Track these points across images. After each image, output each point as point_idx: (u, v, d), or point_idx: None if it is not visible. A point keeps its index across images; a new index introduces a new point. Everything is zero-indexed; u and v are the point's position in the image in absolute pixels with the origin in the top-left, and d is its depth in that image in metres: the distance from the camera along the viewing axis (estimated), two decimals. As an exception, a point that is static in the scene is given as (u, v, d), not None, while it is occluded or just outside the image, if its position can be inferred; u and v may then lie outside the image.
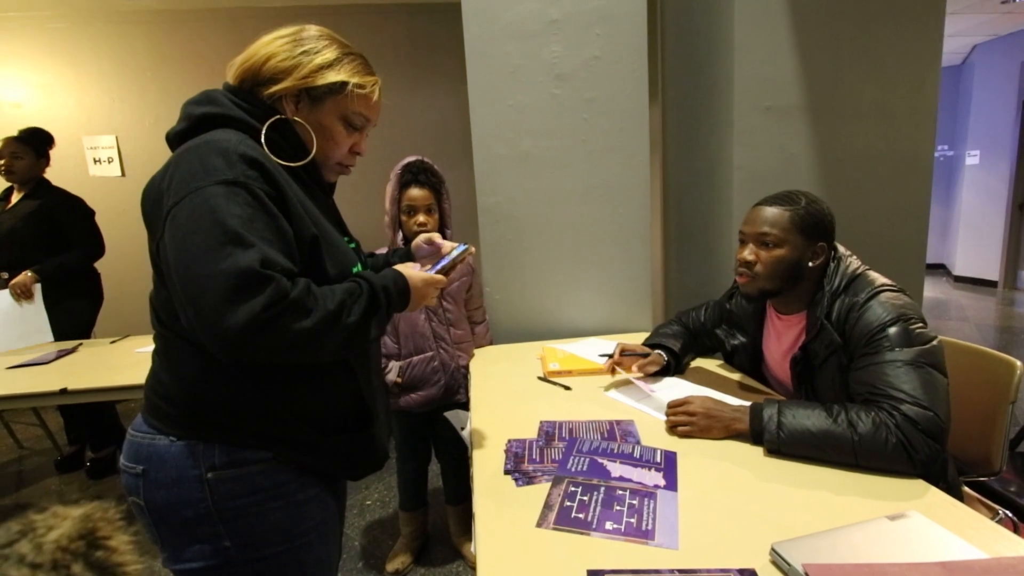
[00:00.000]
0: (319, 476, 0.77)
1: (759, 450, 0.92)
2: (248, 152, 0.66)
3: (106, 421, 2.45)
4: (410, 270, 0.82)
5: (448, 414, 1.35)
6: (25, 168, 2.20)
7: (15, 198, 2.25)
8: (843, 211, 1.27)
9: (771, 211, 1.07)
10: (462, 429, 1.14)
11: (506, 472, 0.88)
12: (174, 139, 0.74)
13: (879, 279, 1.03)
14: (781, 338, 1.19)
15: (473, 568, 1.68)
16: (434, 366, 1.54)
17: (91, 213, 2.36)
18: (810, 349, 1.06)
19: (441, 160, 1.63)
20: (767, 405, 0.93)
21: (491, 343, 1.75)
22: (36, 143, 2.24)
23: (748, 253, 1.10)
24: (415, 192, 1.51)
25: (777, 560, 0.62)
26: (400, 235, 1.54)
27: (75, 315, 2.31)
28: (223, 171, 0.63)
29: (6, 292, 2.10)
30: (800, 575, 0.58)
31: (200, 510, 0.68)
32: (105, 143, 3.39)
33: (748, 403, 0.99)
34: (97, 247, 2.34)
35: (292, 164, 0.74)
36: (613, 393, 1.24)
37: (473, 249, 0.96)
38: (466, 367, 1.56)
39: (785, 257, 1.05)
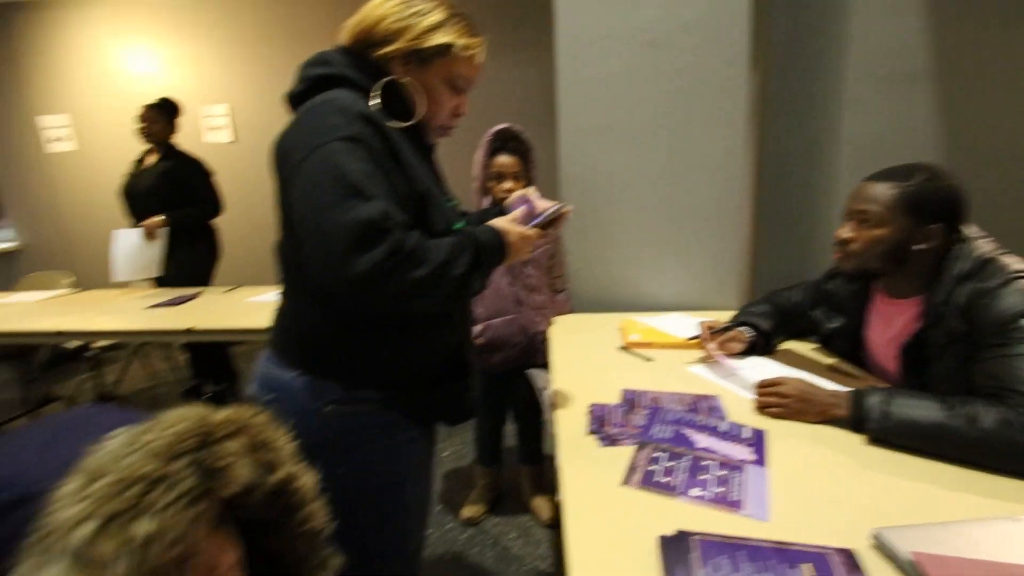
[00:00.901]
0: (418, 421, 0.84)
1: (857, 437, 0.87)
2: (364, 110, 0.71)
3: (222, 359, 2.77)
4: (506, 224, 0.83)
5: (530, 372, 1.39)
6: (159, 132, 2.48)
7: (150, 160, 2.54)
8: (973, 193, 1.14)
9: (876, 187, 0.99)
10: (543, 390, 1.18)
11: (590, 432, 0.91)
12: (294, 99, 0.81)
13: (1015, 264, 0.92)
14: (889, 324, 1.10)
15: (544, 525, 1.76)
16: (513, 329, 1.58)
17: (211, 173, 2.62)
18: (926, 337, 0.98)
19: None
20: (871, 392, 0.88)
21: (571, 312, 1.77)
22: (168, 110, 2.51)
23: (846, 230, 1.03)
24: (504, 159, 1.53)
25: (880, 546, 0.60)
26: (488, 201, 1.57)
27: (197, 266, 2.60)
28: (342, 128, 0.68)
29: (139, 230, 2.40)
30: (907, 562, 0.56)
31: (317, 439, 0.77)
32: (219, 111, 3.70)
33: (845, 388, 0.94)
34: (216, 205, 2.61)
35: (401, 124, 0.78)
36: (696, 368, 1.22)
37: (571, 207, 0.93)
38: (544, 333, 1.60)
39: (884, 238, 0.97)
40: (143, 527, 0.33)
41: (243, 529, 0.44)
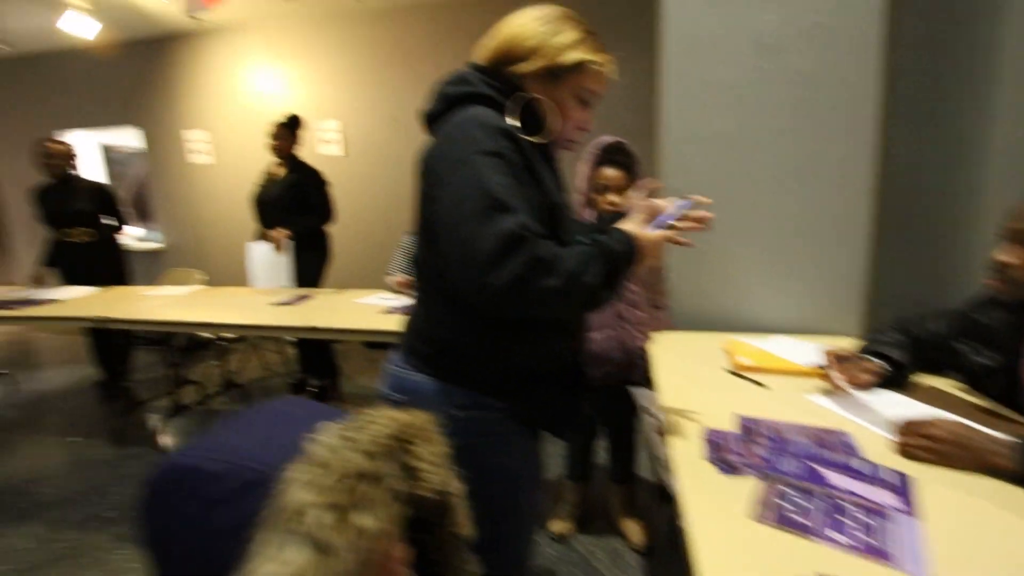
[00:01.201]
0: (534, 430, 0.86)
1: (1022, 493, 0.77)
2: (503, 126, 0.74)
3: (326, 356, 2.99)
4: (635, 229, 0.81)
5: (634, 391, 1.37)
6: (286, 147, 2.75)
7: (277, 171, 2.82)
8: None
9: None
10: (650, 411, 1.16)
11: (708, 460, 0.88)
12: (431, 117, 0.86)
13: None
14: (1059, 363, 0.96)
15: (635, 549, 1.71)
16: (613, 344, 1.57)
17: (327, 183, 2.86)
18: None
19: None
20: (1048, 442, 0.77)
21: (671, 329, 1.72)
22: (293, 127, 2.77)
23: (1006, 254, 0.92)
24: (609, 172, 1.53)
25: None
26: (591, 214, 1.58)
27: (310, 268, 2.83)
28: (485, 142, 0.71)
29: (266, 244, 2.67)
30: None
31: None
32: (330, 126, 4.03)
33: (1011, 437, 0.83)
34: (330, 213, 2.85)
35: (534, 139, 0.81)
36: (819, 398, 1.14)
37: (706, 200, 0.86)
38: (644, 349, 1.57)
39: None
40: (366, 520, 0.37)
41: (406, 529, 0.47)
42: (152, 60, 4.28)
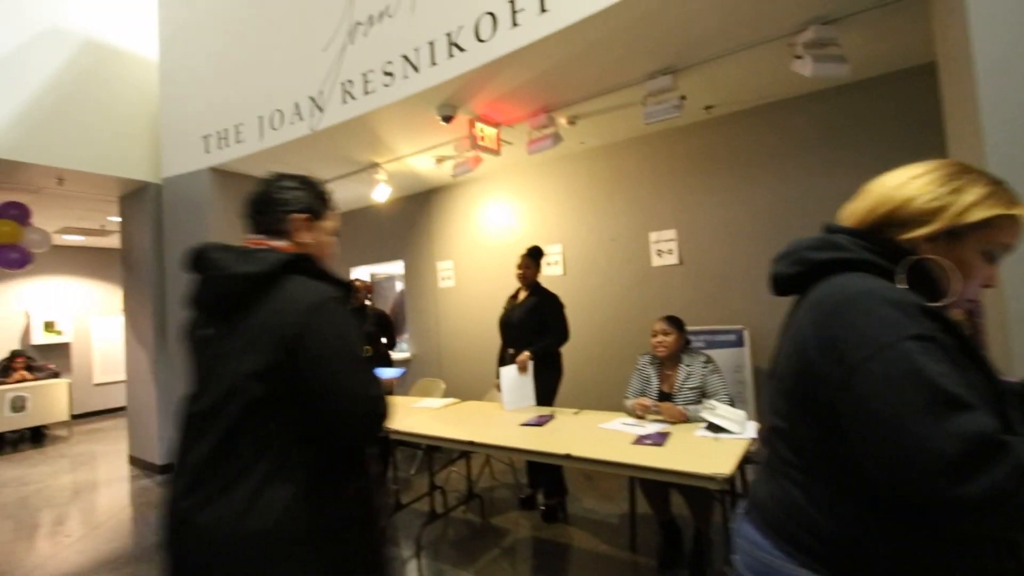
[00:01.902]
0: None
1: None
2: (919, 302, 0.67)
3: (556, 475, 3.00)
4: None
5: None
6: (531, 275, 3.09)
7: (521, 296, 3.16)
8: None
9: None
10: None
11: None
12: (783, 283, 0.84)
13: None
14: None
15: None
16: None
17: (563, 306, 3.07)
18: None
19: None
20: None
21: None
22: (536, 256, 3.12)
23: None
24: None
25: None
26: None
27: (546, 385, 2.99)
28: (908, 325, 0.65)
29: (513, 367, 2.91)
30: None
31: None
32: (554, 250, 4.43)
33: None
34: (567, 333, 3.02)
35: (932, 305, 0.71)
36: None
37: None
38: None
39: None
40: None
41: None
42: (416, 209, 5.41)
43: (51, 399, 6.07)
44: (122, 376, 7.38)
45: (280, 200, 1.10)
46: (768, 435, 0.85)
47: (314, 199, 1.14)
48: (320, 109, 3.40)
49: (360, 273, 5.93)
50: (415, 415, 2.91)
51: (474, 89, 2.96)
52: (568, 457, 1.95)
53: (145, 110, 4.49)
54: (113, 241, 7.00)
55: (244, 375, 0.93)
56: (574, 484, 3.39)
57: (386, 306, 6.05)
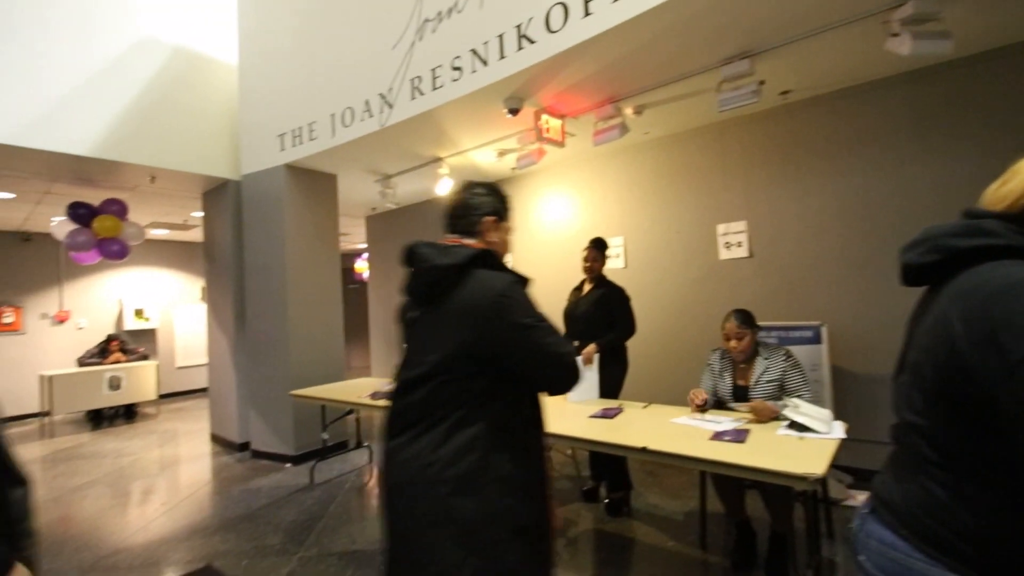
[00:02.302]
0: None
1: None
2: None
3: (620, 468, 2.98)
4: None
5: None
6: (597, 267, 3.06)
7: (586, 288, 3.14)
8: None
9: None
10: None
11: None
12: (915, 272, 0.79)
13: None
14: None
15: None
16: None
17: (629, 299, 3.03)
18: None
19: None
20: None
21: None
22: (602, 247, 3.08)
23: None
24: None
25: None
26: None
27: (612, 379, 2.96)
28: None
29: (578, 359, 2.90)
30: None
31: None
32: (616, 242, 4.37)
33: None
34: (633, 326, 2.98)
35: None
36: None
37: None
38: None
39: None
40: None
41: None
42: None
43: (142, 379, 6.61)
44: (200, 361, 7.98)
45: (473, 205, 1.33)
46: (900, 432, 0.81)
47: (500, 204, 1.36)
48: (389, 105, 3.50)
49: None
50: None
51: (542, 81, 2.96)
52: (645, 451, 1.93)
53: (226, 111, 4.78)
54: (195, 235, 7.51)
55: (446, 348, 1.14)
56: (636, 479, 3.34)
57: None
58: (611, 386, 2.95)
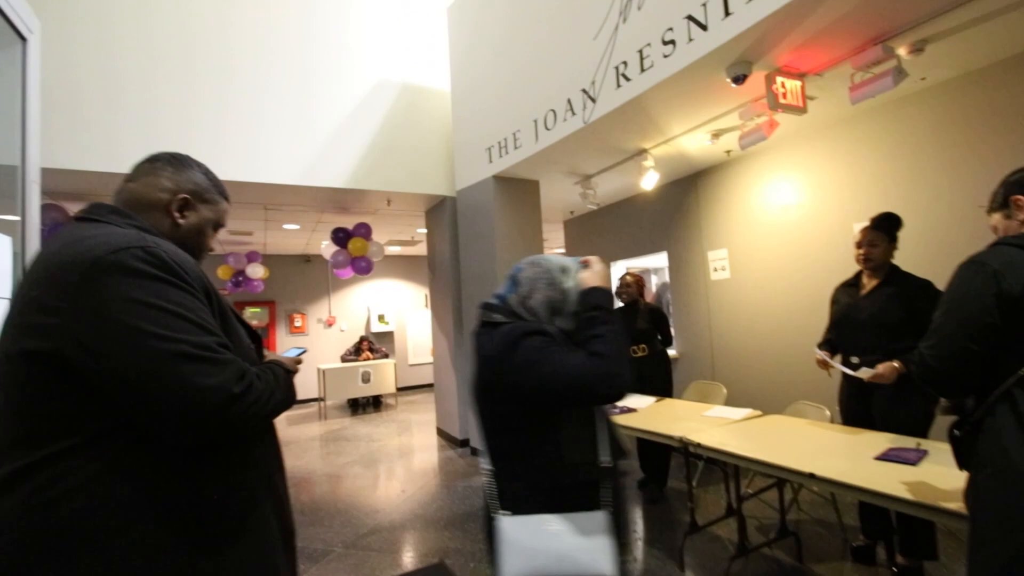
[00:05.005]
0: None
1: None
2: None
3: (925, 531, 2.19)
4: None
5: None
6: (879, 255, 2.30)
7: (867, 283, 2.37)
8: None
9: None
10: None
11: None
12: None
13: None
14: None
15: None
16: None
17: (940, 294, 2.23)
18: None
19: None
20: None
21: None
22: (888, 227, 2.31)
23: None
24: None
25: None
26: None
27: (915, 411, 2.15)
28: None
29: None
30: None
31: None
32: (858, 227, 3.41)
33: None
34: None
35: None
36: None
37: None
38: None
39: None
40: None
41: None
42: (681, 195, 4.96)
43: (385, 374, 7.77)
44: (428, 359, 9.09)
45: None
46: None
47: None
48: (592, 100, 3.32)
49: (618, 269, 5.79)
50: (712, 426, 2.54)
51: (780, 34, 2.41)
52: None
53: (442, 133, 5.25)
54: (420, 249, 8.58)
55: None
56: (942, 544, 2.48)
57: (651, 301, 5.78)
58: (913, 421, 2.13)
